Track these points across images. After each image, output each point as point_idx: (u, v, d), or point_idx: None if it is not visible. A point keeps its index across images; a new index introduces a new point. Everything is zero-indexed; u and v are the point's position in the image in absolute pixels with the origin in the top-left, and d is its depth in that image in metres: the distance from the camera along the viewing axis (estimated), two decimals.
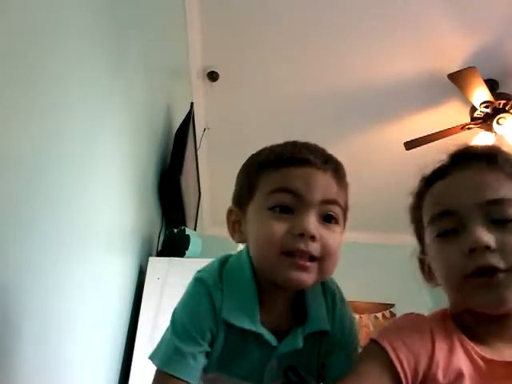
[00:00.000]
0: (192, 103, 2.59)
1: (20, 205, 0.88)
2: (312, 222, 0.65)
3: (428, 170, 0.76)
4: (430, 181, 0.75)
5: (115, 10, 1.43)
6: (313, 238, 0.64)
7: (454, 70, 2.73)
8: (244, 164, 0.78)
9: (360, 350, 0.72)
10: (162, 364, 0.68)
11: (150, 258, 2.00)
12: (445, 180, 0.72)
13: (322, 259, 0.65)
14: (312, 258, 0.65)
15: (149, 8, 1.91)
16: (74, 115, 1.13)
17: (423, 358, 0.63)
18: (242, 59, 2.95)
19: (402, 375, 0.62)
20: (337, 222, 0.68)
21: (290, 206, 0.66)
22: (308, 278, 0.65)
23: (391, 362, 0.63)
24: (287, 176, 0.67)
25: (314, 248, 0.64)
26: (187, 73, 2.90)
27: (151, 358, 0.70)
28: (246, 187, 0.73)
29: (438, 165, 0.75)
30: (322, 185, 0.67)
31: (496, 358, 0.64)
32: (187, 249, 2.09)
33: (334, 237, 0.67)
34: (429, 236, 0.72)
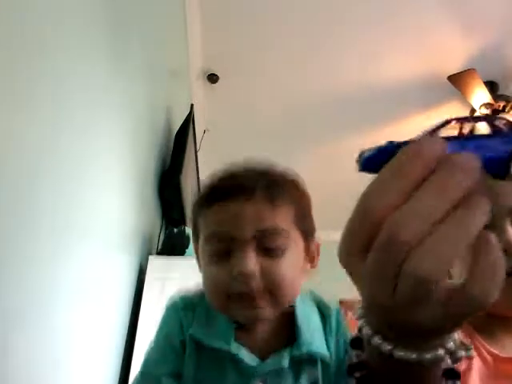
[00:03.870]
0: (192, 105, 2.60)
1: (20, 205, 0.88)
2: (247, 260, 0.61)
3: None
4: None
5: (115, 11, 1.44)
6: (252, 275, 0.60)
7: (454, 72, 2.74)
8: (192, 202, 0.73)
9: None
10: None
11: (150, 257, 2.00)
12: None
13: (271, 292, 0.61)
14: (260, 295, 0.61)
15: (149, 9, 1.92)
16: (74, 116, 1.13)
17: None
18: (241, 61, 2.96)
19: None
20: (281, 250, 0.63)
21: (226, 249, 0.62)
22: (263, 312, 0.61)
23: None
24: (214, 218, 0.64)
25: (257, 285, 0.61)
26: (187, 74, 2.91)
27: None
28: (192, 229, 0.70)
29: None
30: (252, 216, 0.62)
31: (504, 354, 0.64)
32: (187, 248, 2.10)
33: (280, 268, 0.62)
34: None
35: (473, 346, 0.65)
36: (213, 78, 3.02)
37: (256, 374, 0.63)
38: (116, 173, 1.54)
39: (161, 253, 2.15)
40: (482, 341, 0.66)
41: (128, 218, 1.74)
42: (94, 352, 1.42)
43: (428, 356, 0.34)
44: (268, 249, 0.62)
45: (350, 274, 0.35)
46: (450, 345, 0.36)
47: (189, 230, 2.17)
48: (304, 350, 0.63)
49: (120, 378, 1.70)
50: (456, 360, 0.37)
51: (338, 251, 0.34)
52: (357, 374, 0.41)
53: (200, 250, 0.66)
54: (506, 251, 0.64)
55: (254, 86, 3.13)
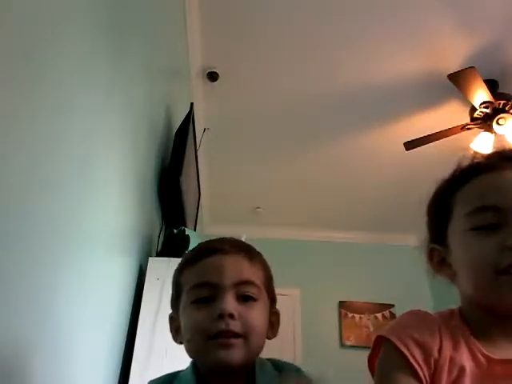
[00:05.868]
0: (192, 103, 2.59)
1: (19, 205, 0.88)
2: (228, 303, 0.71)
3: (466, 162, 0.75)
4: (471, 173, 0.74)
5: (115, 10, 1.43)
6: (231, 316, 0.70)
7: (454, 71, 2.73)
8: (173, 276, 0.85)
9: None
10: None
11: (150, 259, 2.00)
12: (492, 175, 0.71)
13: (246, 336, 0.71)
14: (236, 335, 0.70)
15: (149, 8, 1.91)
16: (74, 115, 1.13)
17: (434, 351, 0.65)
18: (241, 59, 2.95)
19: (420, 373, 0.63)
20: (255, 300, 0.74)
21: (209, 296, 0.73)
22: (235, 354, 0.70)
23: (408, 361, 0.64)
24: (200, 270, 0.75)
25: (235, 325, 0.70)
26: (187, 73, 2.90)
27: None
28: (175, 288, 0.81)
29: (483, 159, 0.74)
30: (233, 268, 0.74)
31: (498, 356, 0.64)
32: (187, 249, 2.09)
33: (253, 314, 0.73)
34: (460, 227, 0.71)
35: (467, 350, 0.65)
36: (213, 76, 3.01)
37: None
38: (116, 173, 1.53)
39: (160, 254, 2.15)
40: (478, 344, 0.66)
41: (128, 219, 1.74)
42: (94, 353, 1.41)
43: None
44: (244, 296, 0.73)
45: None
46: None
47: (189, 231, 2.17)
48: None
49: (120, 379, 1.70)
50: None
51: None
52: None
53: (182, 305, 0.76)
54: None
55: (254, 84, 3.13)
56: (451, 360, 0.64)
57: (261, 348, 0.75)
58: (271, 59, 2.93)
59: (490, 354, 0.64)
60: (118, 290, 1.66)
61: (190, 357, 0.75)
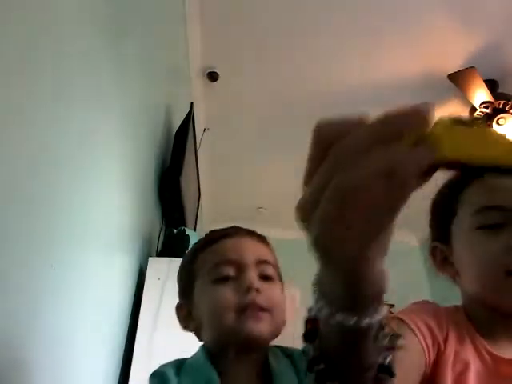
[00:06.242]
0: (192, 103, 2.59)
1: (19, 205, 0.88)
2: (254, 277, 0.73)
3: None
4: (479, 171, 0.74)
5: (115, 9, 1.43)
6: (257, 290, 0.72)
7: (454, 71, 2.73)
8: (180, 267, 0.86)
9: None
10: None
11: (150, 259, 2.00)
12: (497, 175, 0.71)
13: (271, 310, 0.72)
14: (263, 310, 0.71)
15: (149, 8, 1.91)
16: (74, 115, 1.13)
17: (440, 341, 0.65)
18: (241, 59, 2.95)
19: (426, 355, 0.64)
20: (273, 280, 0.76)
21: (231, 275, 0.74)
22: (264, 328, 0.70)
23: (419, 341, 0.64)
24: (219, 250, 0.77)
25: (261, 299, 0.71)
26: (187, 73, 2.90)
27: None
28: (186, 278, 0.81)
29: None
30: (252, 248, 0.77)
31: (504, 355, 0.65)
32: (187, 249, 2.09)
33: (275, 292, 0.75)
34: (465, 226, 0.72)
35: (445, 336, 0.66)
36: (213, 76, 3.01)
37: None
38: (116, 173, 1.53)
39: (161, 254, 2.14)
40: (483, 341, 0.66)
41: (128, 219, 1.74)
42: (94, 353, 1.41)
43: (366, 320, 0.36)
44: (263, 275, 0.75)
45: (306, 227, 0.34)
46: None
47: (189, 231, 2.17)
48: None
49: (120, 379, 1.70)
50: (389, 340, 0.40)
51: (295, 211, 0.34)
52: (321, 366, 0.42)
53: (200, 287, 0.76)
54: None
55: (254, 84, 3.13)
56: (456, 354, 0.65)
57: (283, 326, 0.76)
58: (271, 59, 2.93)
59: (497, 353, 0.65)
60: (118, 290, 1.66)
61: (209, 340, 0.75)
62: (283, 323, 0.75)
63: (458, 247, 0.73)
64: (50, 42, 0.97)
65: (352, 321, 0.35)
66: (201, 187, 3.16)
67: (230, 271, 0.74)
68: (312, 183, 0.33)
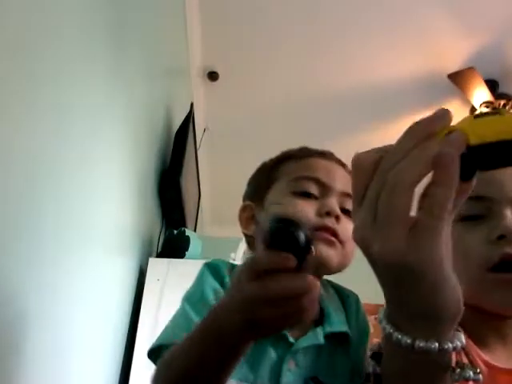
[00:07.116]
0: (192, 103, 2.59)
1: (19, 205, 0.87)
2: (336, 205, 0.69)
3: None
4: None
5: (115, 9, 1.43)
6: (337, 218, 0.68)
7: (454, 71, 2.73)
8: (257, 168, 0.82)
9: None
10: (172, 336, 0.62)
11: (150, 259, 2.00)
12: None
13: (343, 242, 0.68)
14: (337, 237, 0.68)
15: (149, 8, 1.91)
16: (74, 115, 1.13)
17: None
18: (241, 59, 2.95)
19: None
20: (350, 213, 0.70)
21: (314, 193, 0.70)
22: (333, 254, 0.67)
23: None
24: (310, 166, 0.73)
25: (338, 228, 0.68)
26: (187, 73, 2.90)
27: (157, 344, 0.63)
28: (264, 179, 0.77)
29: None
30: (342, 177, 0.73)
31: (499, 364, 0.62)
32: (187, 250, 2.09)
33: (350, 227, 0.67)
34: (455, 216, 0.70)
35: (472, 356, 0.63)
36: (213, 76, 3.01)
37: (292, 351, 0.65)
38: (116, 173, 1.53)
39: (161, 255, 2.14)
40: (478, 349, 0.63)
41: (128, 219, 1.74)
42: (94, 353, 1.41)
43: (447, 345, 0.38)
44: (344, 208, 0.70)
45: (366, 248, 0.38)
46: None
47: (189, 232, 2.17)
48: (335, 327, 0.68)
49: (120, 379, 1.70)
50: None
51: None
52: None
53: (277, 193, 0.73)
54: (503, 237, 0.62)
55: (254, 84, 3.12)
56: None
57: (349, 263, 0.71)
58: (271, 59, 2.93)
59: (493, 362, 0.62)
60: (118, 290, 1.66)
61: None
62: (350, 261, 0.71)
63: None
64: (49, 41, 0.97)
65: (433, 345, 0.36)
66: (201, 187, 3.15)
67: (315, 190, 0.70)
68: (364, 206, 0.36)
